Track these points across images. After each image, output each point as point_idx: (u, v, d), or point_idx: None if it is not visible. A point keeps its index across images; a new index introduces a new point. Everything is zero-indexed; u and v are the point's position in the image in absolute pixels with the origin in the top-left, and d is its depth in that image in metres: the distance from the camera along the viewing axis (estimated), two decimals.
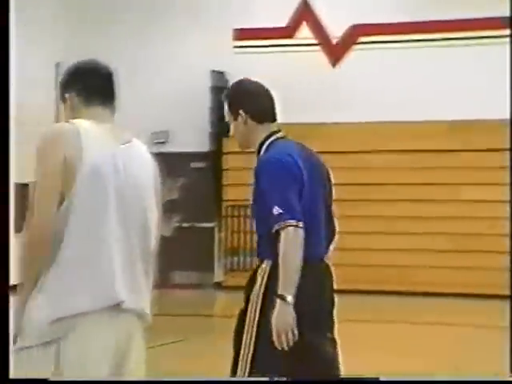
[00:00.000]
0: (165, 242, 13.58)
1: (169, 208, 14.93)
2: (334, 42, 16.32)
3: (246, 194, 14.99)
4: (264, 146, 4.48)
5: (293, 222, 4.26)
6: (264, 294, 4.38)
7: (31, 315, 3.32)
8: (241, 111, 4.28)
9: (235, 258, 16.60)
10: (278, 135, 4.54)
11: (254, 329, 4.35)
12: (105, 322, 3.34)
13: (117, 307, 3.35)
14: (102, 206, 3.42)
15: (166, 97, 16.39)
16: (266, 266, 4.32)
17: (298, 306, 4.28)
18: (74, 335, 3.32)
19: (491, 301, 13.84)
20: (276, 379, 4.11)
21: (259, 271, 4.37)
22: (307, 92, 15.79)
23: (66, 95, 3.59)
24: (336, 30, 16.22)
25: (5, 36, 3.46)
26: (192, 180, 16.83)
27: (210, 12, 16.56)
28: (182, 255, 16.40)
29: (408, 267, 15.30)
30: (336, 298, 4.86)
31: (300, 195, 4.37)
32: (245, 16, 16.36)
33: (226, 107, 4.43)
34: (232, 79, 15.55)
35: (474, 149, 15.31)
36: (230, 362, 4.65)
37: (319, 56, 16.24)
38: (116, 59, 16.44)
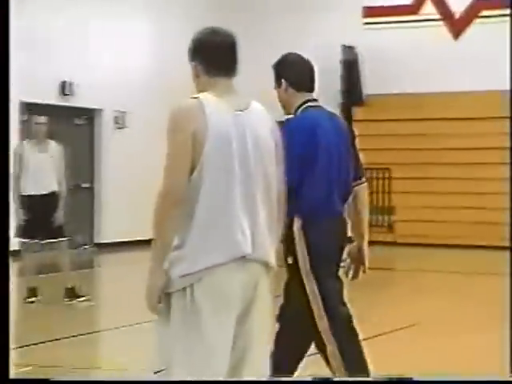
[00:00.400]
0: None
1: None
2: (457, 16, 16.61)
3: (372, 158, 15.86)
4: (298, 112, 4.87)
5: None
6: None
7: (174, 267, 3.53)
8: (282, 80, 4.68)
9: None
10: (311, 104, 4.88)
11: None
12: (233, 271, 3.54)
13: (243, 259, 3.54)
14: (227, 172, 3.56)
15: None
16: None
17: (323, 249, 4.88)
18: (208, 284, 3.53)
19: None
20: (276, 379, 4.19)
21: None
22: (428, 62, 16.08)
23: (192, 63, 3.67)
24: (458, 5, 16.50)
25: (5, 34, 3.26)
26: None
27: None
28: None
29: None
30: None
31: (311, 158, 4.80)
32: None
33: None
34: (361, 53, 16.37)
35: None
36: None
37: (442, 30, 16.53)
38: (258, 37, 17.29)
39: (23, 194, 9.46)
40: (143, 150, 14.80)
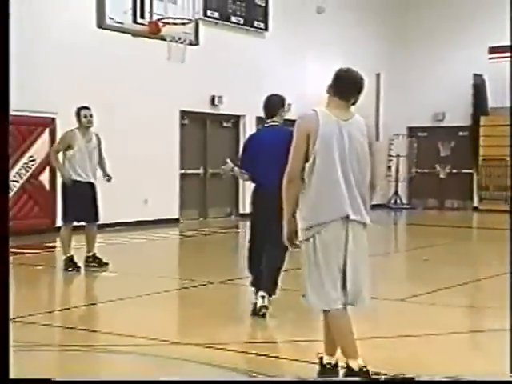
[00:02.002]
0: (441, 182, 19.04)
1: (443, 161, 19.46)
2: None
3: (495, 152, 18.10)
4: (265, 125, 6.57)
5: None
6: None
7: (300, 223, 4.16)
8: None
9: (486, 192, 19.57)
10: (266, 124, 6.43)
11: None
12: (339, 226, 4.12)
13: (346, 218, 4.12)
14: (330, 159, 4.10)
15: (444, 91, 19.35)
16: None
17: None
18: (320, 235, 4.11)
19: None
20: (276, 379, 4.36)
21: None
22: None
23: (328, 89, 4.27)
24: None
25: (5, 35, 3.15)
26: (459, 143, 19.92)
27: (474, 36, 19.24)
28: (452, 190, 19.88)
29: None
30: None
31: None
32: (495, 38, 18.65)
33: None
34: (487, 79, 18.74)
35: None
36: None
37: None
38: (413, 67, 20.31)
39: None
40: None
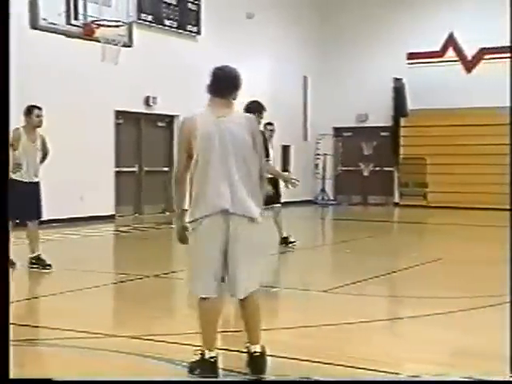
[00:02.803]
0: (364, 179, 19.74)
1: (367, 159, 20.01)
2: (469, 58, 18.89)
3: (413, 151, 18.74)
4: None
5: None
6: None
7: (187, 217, 4.18)
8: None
9: (406, 189, 19.89)
10: None
11: None
12: (219, 220, 4.08)
13: (226, 212, 4.08)
14: (209, 156, 4.06)
15: (367, 94, 19.65)
16: None
17: None
18: (202, 227, 4.11)
19: None
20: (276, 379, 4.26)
21: None
22: (450, 89, 18.36)
23: (207, 89, 4.20)
24: (469, 51, 18.79)
25: (5, 36, 3.05)
26: (381, 142, 20.22)
27: (394, 43, 19.64)
28: (375, 186, 20.18)
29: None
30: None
31: None
32: (413, 45, 19.26)
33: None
34: (406, 83, 19.17)
35: None
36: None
37: (459, 67, 19.01)
38: (338, 71, 20.76)
39: None
40: None
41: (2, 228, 3.12)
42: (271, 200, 9.34)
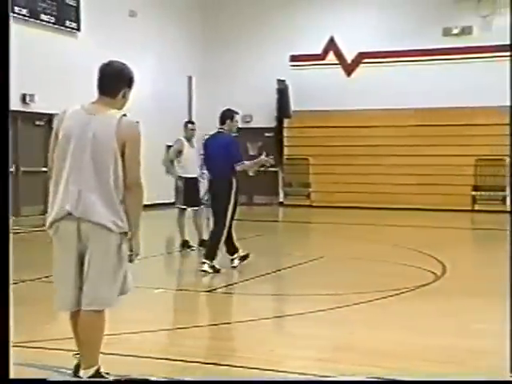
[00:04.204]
0: (250, 179, 19.55)
1: (252, 160, 19.64)
2: (348, 62, 19.24)
3: (297, 151, 18.57)
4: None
5: None
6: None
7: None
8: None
9: (290, 189, 20.04)
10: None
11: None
12: (71, 225, 3.83)
13: (72, 216, 3.81)
14: (65, 153, 3.84)
15: (252, 94, 19.49)
16: None
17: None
18: (57, 234, 3.92)
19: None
20: (276, 379, 4.22)
21: None
22: (331, 91, 18.81)
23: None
24: (349, 55, 19.19)
25: (5, 34, 3.08)
26: (266, 143, 20.08)
27: (277, 45, 19.60)
28: (259, 186, 19.59)
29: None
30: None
31: None
32: (295, 47, 19.49)
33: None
34: (289, 84, 19.25)
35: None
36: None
37: (339, 71, 19.36)
38: (223, 71, 20.70)
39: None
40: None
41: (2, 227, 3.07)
42: (191, 202, 10.04)
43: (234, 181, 8.16)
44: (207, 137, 8.69)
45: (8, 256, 3.13)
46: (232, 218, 8.21)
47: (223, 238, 8.14)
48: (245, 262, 8.57)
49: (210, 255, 8.13)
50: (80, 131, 3.80)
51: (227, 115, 8.45)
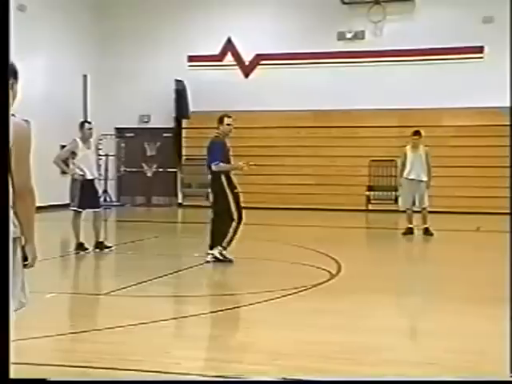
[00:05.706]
0: (148, 180, 19.63)
1: (150, 160, 19.98)
2: (246, 63, 19.43)
3: (196, 152, 19.16)
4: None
5: None
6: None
7: None
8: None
9: (189, 189, 20.09)
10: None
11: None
12: None
13: None
14: None
15: (149, 94, 19.47)
16: None
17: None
18: None
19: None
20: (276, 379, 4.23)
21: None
22: (230, 92, 18.81)
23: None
24: (247, 57, 19.36)
25: (5, 35, 3.02)
26: (164, 143, 20.23)
27: (175, 45, 19.45)
28: (158, 187, 20.21)
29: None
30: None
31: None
32: (193, 48, 19.41)
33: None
34: (187, 85, 19.33)
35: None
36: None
37: (237, 72, 19.48)
38: (120, 70, 20.43)
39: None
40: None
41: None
42: (87, 204, 9.97)
43: (223, 177, 8.84)
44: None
45: (8, 256, 3.01)
46: (239, 209, 8.95)
47: (237, 227, 8.96)
48: (220, 264, 8.92)
49: (226, 245, 9.02)
50: None
51: (219, 119, 9.17)
